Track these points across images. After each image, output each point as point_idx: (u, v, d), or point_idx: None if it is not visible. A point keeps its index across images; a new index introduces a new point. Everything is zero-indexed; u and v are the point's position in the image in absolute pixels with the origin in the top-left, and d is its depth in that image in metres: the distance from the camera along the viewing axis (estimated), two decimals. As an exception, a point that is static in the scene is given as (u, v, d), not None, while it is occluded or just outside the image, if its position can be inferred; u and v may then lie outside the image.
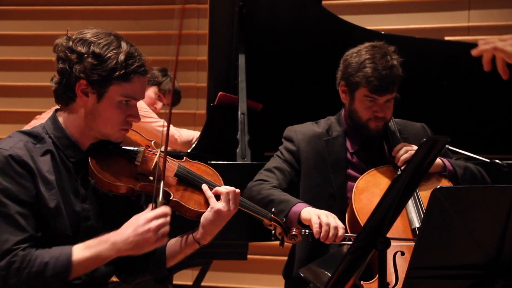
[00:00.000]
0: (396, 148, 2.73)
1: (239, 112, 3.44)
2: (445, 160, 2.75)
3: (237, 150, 3.31)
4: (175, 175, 2.16)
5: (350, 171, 2.79)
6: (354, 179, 2.71)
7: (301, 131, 2.85)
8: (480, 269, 1.81)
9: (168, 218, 1.96)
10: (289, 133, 2.87)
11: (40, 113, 4.05)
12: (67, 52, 2.02)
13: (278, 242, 2.35)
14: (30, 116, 4.10)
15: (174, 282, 4.13)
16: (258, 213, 2.31)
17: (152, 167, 2.11)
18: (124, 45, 2.03)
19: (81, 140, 2.09)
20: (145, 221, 1.94)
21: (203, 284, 4.11)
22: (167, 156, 2.08)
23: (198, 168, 2.24)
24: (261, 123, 3.52)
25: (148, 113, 4.05)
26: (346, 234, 2.44)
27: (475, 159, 2.89)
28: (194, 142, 3.77)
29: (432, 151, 1.78)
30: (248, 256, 3.35)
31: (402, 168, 2.63)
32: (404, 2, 5.92)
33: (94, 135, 2.09)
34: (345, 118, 2.85)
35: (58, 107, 2.14)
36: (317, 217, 2.42)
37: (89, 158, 2.07)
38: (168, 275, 2.22)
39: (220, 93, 3.58)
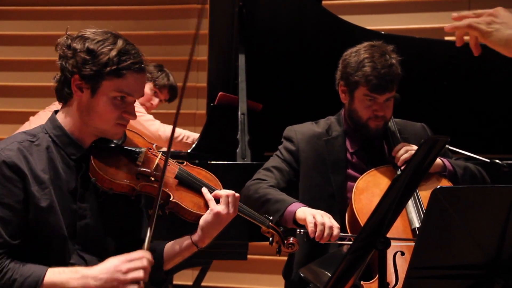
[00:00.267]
0: (396, 148, 2.73)
1: (239, 112, 3.44)
2: (445, 160, 2.75)
3: (237, 150, 3.31)
4: (176, 177, 2.18)
5: (350, 171, 2.79)
6: (354, 179, 2.71)
7: (300, 131, 2.85)
8: (480, 269, 1.81)
9: (145, 262, 1.93)
10: (289, 133, 2.87)
11: (38, 113, 4.05)
12: (64, 49, 2.05)
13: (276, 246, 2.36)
14: (30, 116, 4.10)
15: (174, 282, 4.14)
16: (256, 219, 2.33)
17: (153, 168, 2.13)
18: (120, 42, 2.04)
19: (81, 137, 2.10)
20: (119, 262, 1.93)
21: (203, 284, 4.11)
22: (169, 159, 2.09)
23: (198, 173, 2.26)
24: (261, 123, 3.52)
25: (136, 108, 4.05)
26: (341, 234, 2.44)
27: (475, 159, 2.89)
28: (184, 140, 3.77)
29: (432, 151, 1.78)
30: (248, 256, 3.35)
31: (402, 168, 2.63)
32: (404, 2, 5.92)
33: (91, 132, 2.09)
34: (345, 118, 2.85)
35: (55, 109, 2.15)
36: (312, 216, 2.42)
37: (91, 156, 2.08)
38: (166, 278, 2.23)
39: (220, 93, 3.58)
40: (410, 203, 2.58)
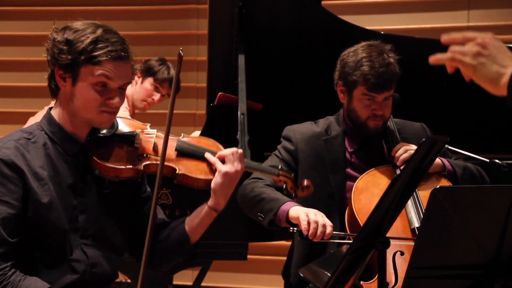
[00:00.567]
0: (396, 148, 2.73)
1: (239, 112, 3.44)
2: (444, 160, 2.75)
3: (237, 150, 3.31)
4: (176, 149, 2.18)
5: (349, 170, 2.79)
6: (353, 178, 2.71)
7: (299, 131, 2.85)
8: (480, 269, 1.81)
9: None
10: (288, 133, 2.87)
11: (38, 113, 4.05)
12: (48, 42, 2.07)
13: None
14: (30, 116, 4.10)
15: (174, 282, 4.13)
16: (265, 170, 2.34)
17: (151, 147, 2.15)
18: (99, 31, 2.04)
19: (76, 132, 2.10)
20: None
21: (203, 284, 4.11)
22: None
23: (198, 141, 2.26)
24: (260, 123, 3.52)
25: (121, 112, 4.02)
26: (334, 232, 2.43)
27: (475, 159, 2.89)
28: None
29: (431, 151, 1.78)
30: (248, 256, 3.35)
31: (402, 168, 2.63)
32: (404, 2, 5.92)
33: (80, 123, 2.09)
34: (344, 117, 2.85)
35: (52, 106, 2.16)
36: (305, 214, 2.42)
37: (89, 150, 2.09)
38: (195, 251, 2.23)
39: (219, 93, 3.58)
40: (410, 203, 2.58)
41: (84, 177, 2.10)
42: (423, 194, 2.59)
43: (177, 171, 2.13)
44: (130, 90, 4.23)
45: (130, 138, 2.15)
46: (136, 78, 4.21)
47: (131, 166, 2.09)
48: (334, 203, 2.73)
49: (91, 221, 2.09)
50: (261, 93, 3.68)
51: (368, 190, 2.62)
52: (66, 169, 2.07)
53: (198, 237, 2.21)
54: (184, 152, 2.19)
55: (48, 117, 2.12)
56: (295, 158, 2.81)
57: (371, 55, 2.68)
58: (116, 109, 2.09)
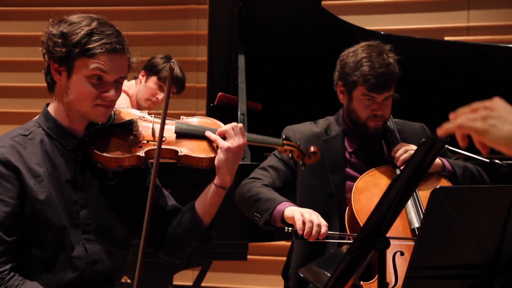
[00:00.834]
0: (396, 148, 2.72)
1: (238, 113, 3.44)
2: (444, 160, 2.74)
3: (237, 150, 3.31)
4: (176, 132, 2.18)
5: (349, 170, 2.79)
6: (353, 178, 2.71)
7: (299, 131, 2.85)
8: (480, 269, 1.81)
9: None
10: (287, 133, 2.86)
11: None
12: (43, 35, 2.08)
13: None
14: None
15: (174, 282, 4.13)
16: (269, 142, 2.33)
17: (150, 132, 2.14)
18: (94, 23, 2.03)
19: (73, 126, 2.09)
20: None
21: (203, 284, 4.11)
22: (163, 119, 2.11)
23: (197, 121, 2.26)
24: (260, 123, 3.52)
25: None
26: (329, 232, 2.43)
27: (474, 159, 2.89)
28: None
29: (431, 151, 1.78)
30: (248, 257, 3.35)
31: (402, 168, 2.63)
32: (404, 2, 5.92)
33: (76, 117, 2.07)
34: (344, 118, 2.85)
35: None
36: (300, 214, 2.42)
37: (88, 143, 2.08)
38: (211, 233, 2.22)
39: (219, 93, 3.58)
40: (410, 203, 2.58)
41: (84, 172, 2.09)
42: (423, 194, 2.59)
43: (179, 153, 2.12)
44: (134, 89, 4.23)
45: (128, 126, 2.14)
46: (140, 77, 4.21)
47: (132, 154, 2.08)
48: (334, 203, 2.73)
49: (93, 215, 2.08)
50: (261, 93, 3.68)
51: (368, 190, 2.62)
52: (65, 164, 2.06)
53: (211, 218, 2.19)
54: (184, 134, 2.18)
55: (45, 112, 2.12)
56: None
57: (371, 56, 2.68)
58: (112, 103, 2.08)
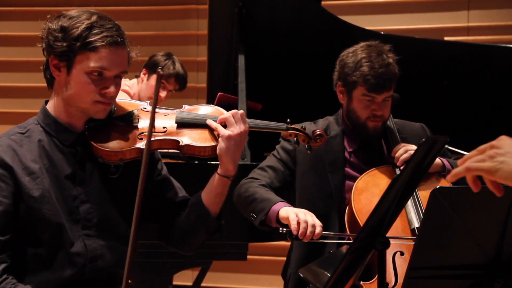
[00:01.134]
0: (396, 148, 2.72)
1: (238, 113, 3.44)
2: (444, 160, 2.74)
3: (237, 150, 3.30)
4: (176, 121, 2.15)
5: (348, 170, 2.79)
6: (353, 178, 2.71)
7: (299, 131, 2.85)
8: (480, 269, 1.81)
9: None
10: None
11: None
12: (43, 31, 2.06)
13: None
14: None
15: (174, 282, 4.12)
16: (272, 128, 2.30)
17: (150, 123, 2.11)
18: (93, 17, 2.01)
19: (71, 121, 2.08)
20: None
21: (203, 284, 4.11)
22: (164, 108, 2.11)
23: (198, 110, 2.23)
24: (260, 123, 3.52)
25: None
26: (324, 232, 2.42)
27: (474, 159, 2.88)
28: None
29: (431, 151, 1.78)
30: (248, 257, 3.35)
31: (402, 168, 2.63)
32: (404, 2, 5.92)
33: (75, 113, 2.06)
34: (343, 118, 2.85)
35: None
36: (295, 214, 2.42)
37: (89, 138, 2.06)
38: (220, 223, 2.19)
39: (219, 93, 3.58)
40: (410, 203, 2.58)
41: (84, 166, 2.08)
42: (423, 194, 2.59)
43: (180, 143, 2.10)
44: (136, 88, 4.22)
45: (129, 118, 2.12)
46: (141, 75, 4.21)
47: (134, 146, 2.06)
48: (333, 202, 2.73)
49: (94, 210, 2.06)
50: (261, 93, 3.68)
51: (368, 190, 2.62)
52: (63, 160, 2.05)
53: (219, 208, 2.17)
54: (184, 123, 2.15)
55: (43, 109, 2.12)
56: (293, 158, 2.80)
57: (371, 56, 2.68)
58: (112, 99, 2.07)
